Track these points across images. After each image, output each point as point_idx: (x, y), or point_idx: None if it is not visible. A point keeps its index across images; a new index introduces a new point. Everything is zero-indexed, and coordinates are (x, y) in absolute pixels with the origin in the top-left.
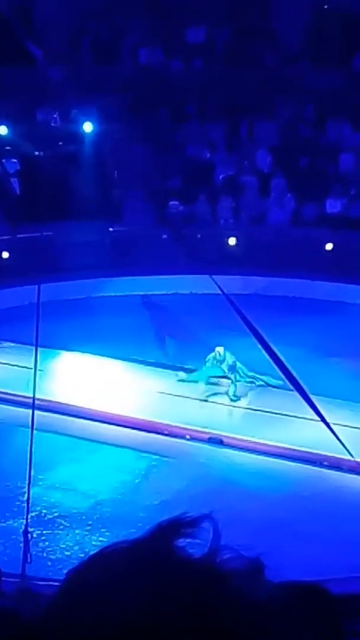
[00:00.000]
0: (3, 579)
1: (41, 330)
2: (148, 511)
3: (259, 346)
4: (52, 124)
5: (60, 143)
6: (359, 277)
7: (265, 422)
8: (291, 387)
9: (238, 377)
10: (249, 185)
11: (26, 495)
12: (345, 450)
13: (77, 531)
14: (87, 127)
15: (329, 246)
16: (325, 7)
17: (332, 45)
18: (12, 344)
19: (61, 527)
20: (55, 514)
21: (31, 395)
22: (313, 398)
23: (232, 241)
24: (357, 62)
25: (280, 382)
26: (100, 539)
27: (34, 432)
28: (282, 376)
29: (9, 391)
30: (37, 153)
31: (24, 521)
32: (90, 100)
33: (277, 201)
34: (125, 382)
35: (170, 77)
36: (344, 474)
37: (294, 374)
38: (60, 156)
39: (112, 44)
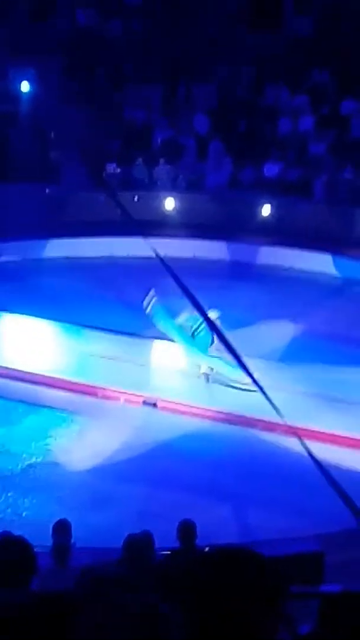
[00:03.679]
0: None
1: None
2: (82, 475)
3: (194, 310)
4: None
5: None
6: (296, 241)
7: (199, 385)
8: (225, 351)
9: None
10: (187, 148)
11: None
12: (277, 414)
13: (9, 493)
14: (24, 86)
15: (266, 210)
16: None
17: (269, 8)
18: None
19: None
20: None
21: None
22: (247, 361)
23: (168, 204)
24: (292, 26)
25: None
26: (33, 501)
27: None
28: (217, 341)
29: None
30: None
31: None
32: (27, 60)
33: (215, 164)
34: (59, 344)
35: (107, 38)
36: (276, 436)
37: (228, 337)
38: None
39: (49, 4)
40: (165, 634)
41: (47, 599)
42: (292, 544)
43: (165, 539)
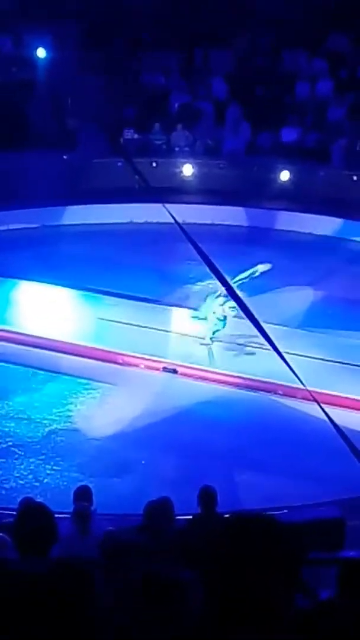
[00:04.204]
0: None
1: None
2: (102, 441)
3: (213, 276)
4: (4, 50)
5: (14, 69)
6: (314, 206)
7: (219, 351)
8: (244, 317)
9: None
10: (205, 113)
11: None
12: (297, 380)
13: (31, 460)
14: (41, 53)
15: (284, 175)
16: None
17: None
18: None
19: (15, 456)
20: (10, 443)
21: None
22: (266, 327)
23: (187, 170)
24: None
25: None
26: (55, 467)
27: None
28: (235, 305)
29: None
30: None
31: None
32: (43, 27)
33: (233, 130)
34: (79, 311)
35: (124, 5)
36: (297, 402)
37: (247, 303)
38: (14, 83)
39: None
40: (184, 602)
41: (68, 567)
42: (312, 510)
43: (186, 505)
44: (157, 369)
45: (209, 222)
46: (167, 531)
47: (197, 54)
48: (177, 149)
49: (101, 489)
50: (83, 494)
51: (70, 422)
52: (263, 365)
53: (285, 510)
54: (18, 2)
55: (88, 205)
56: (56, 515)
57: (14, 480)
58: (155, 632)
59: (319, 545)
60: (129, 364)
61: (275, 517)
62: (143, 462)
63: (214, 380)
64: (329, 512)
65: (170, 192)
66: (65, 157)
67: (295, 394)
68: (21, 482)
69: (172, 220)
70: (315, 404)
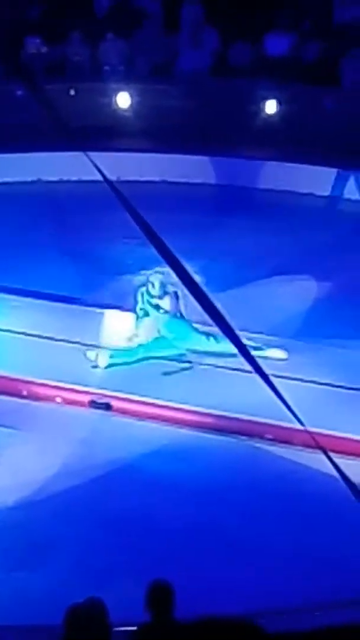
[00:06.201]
0: None
1: None
2: None
3: (163, 261)
4: None
5: None
6: (315, 154)
7: (173, 375)
8: (210, 322)
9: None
10: (149, 15)
11: None
12: (292, 416)
13: None
14: None
15: (270, 106)
16: None
17: None
18: None
19: None
20: None
21: None
22: (244, 338)
23: (122, 100)
24: None
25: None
26: None
27: None
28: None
29: None
30: None
31: None
32: None
33: (192, 38)
34: None
35: None
36: (294, 451)
37: (215, 301)
38: None
39: None
40: None
41: None
42: (324, 613)
43: (128, 609)
44: (82, 403)
45: (156, 179)
46: None
47: None
48: (106, 68)
49: None
50: None
51: None
52: (241, 395)
53: (280, 614)
54: None
55: None
56: None
57: None
58: None
59: None
60: (38, 397)
61: (259, 623)
62: (64, 544)
63: (168, 420)
64: (348, 615)
65: (98, 133)
66: None
67: (291, 438)
68: None
69: (100, 178)
70: (321, 452)
